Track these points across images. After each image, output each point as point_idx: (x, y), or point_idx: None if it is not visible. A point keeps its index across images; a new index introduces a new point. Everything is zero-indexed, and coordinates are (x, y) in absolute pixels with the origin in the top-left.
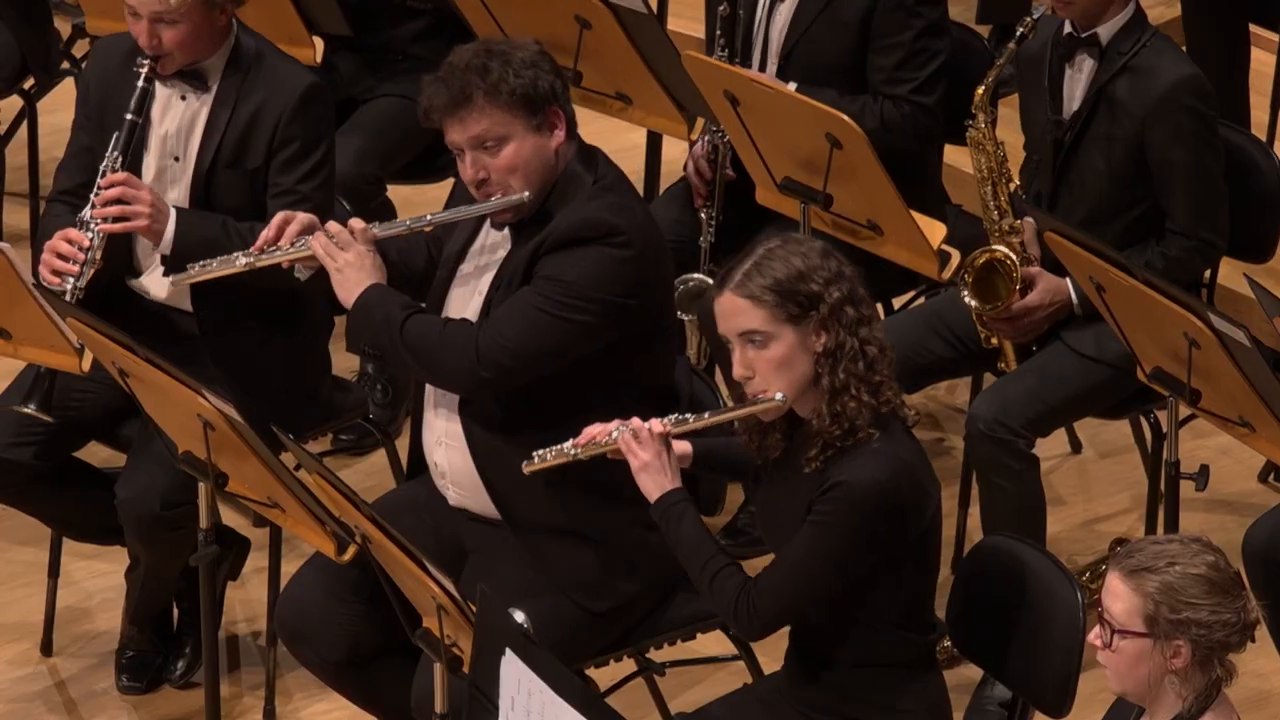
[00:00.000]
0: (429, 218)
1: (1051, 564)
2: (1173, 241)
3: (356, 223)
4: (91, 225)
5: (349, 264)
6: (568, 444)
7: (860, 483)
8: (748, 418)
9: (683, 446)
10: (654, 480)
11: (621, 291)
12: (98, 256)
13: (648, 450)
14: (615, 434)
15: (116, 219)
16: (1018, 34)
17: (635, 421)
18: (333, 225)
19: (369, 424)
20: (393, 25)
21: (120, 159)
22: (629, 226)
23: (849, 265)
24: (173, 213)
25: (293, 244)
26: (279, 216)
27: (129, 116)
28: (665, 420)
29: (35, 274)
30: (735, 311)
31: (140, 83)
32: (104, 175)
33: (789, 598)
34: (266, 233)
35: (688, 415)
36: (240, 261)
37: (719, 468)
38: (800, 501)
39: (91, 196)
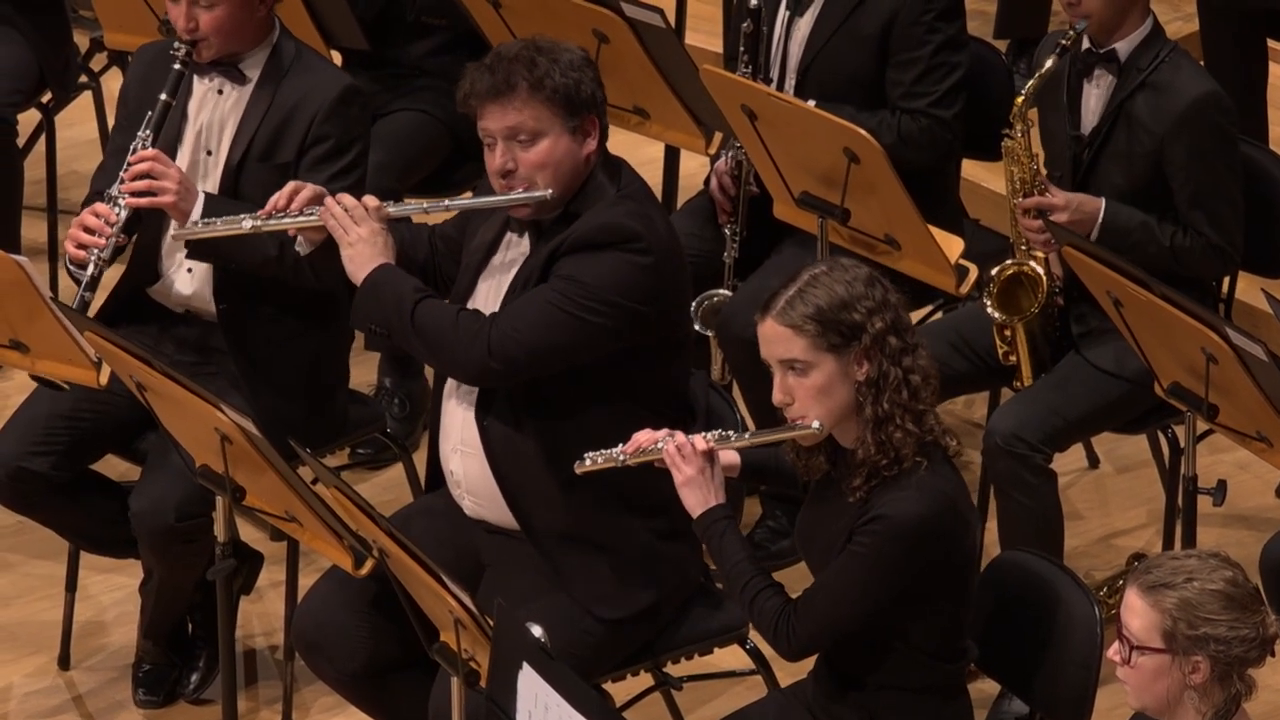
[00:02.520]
0: (445, 203)
1: (1069, 579)
2: (1196, 238)
3: (370, 199)
4: (119, 200)
5: (361, 239)
6: (617, 450)
7: (900, 517)
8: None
9: (731, 457)
10: (697, 496)
11: (638, 298)
12: (123, 232)
13: (691, 465)
14: (661, 444)
15: (143, 194)
16: (1059, 47)
17: (680, 436)
18: (346, 198)
19: (386, 438)
20: (410, 41)
21: (151, 137)
22: (649, 234)
23: (895, 292)
24: (201, 195)
25: (302, 212)
26: (289, 185)
27: (163, 97)
28: (709, 436)
29: (54, 284)
30: (776, 339)
31: (176, 65)
32: (134, 152)
33: (825, 624)
34: (276, 199)
35: (730, 433)
36: (247, 224)
37: (769, 480)
38: (841, 528)
39: (120, 173)
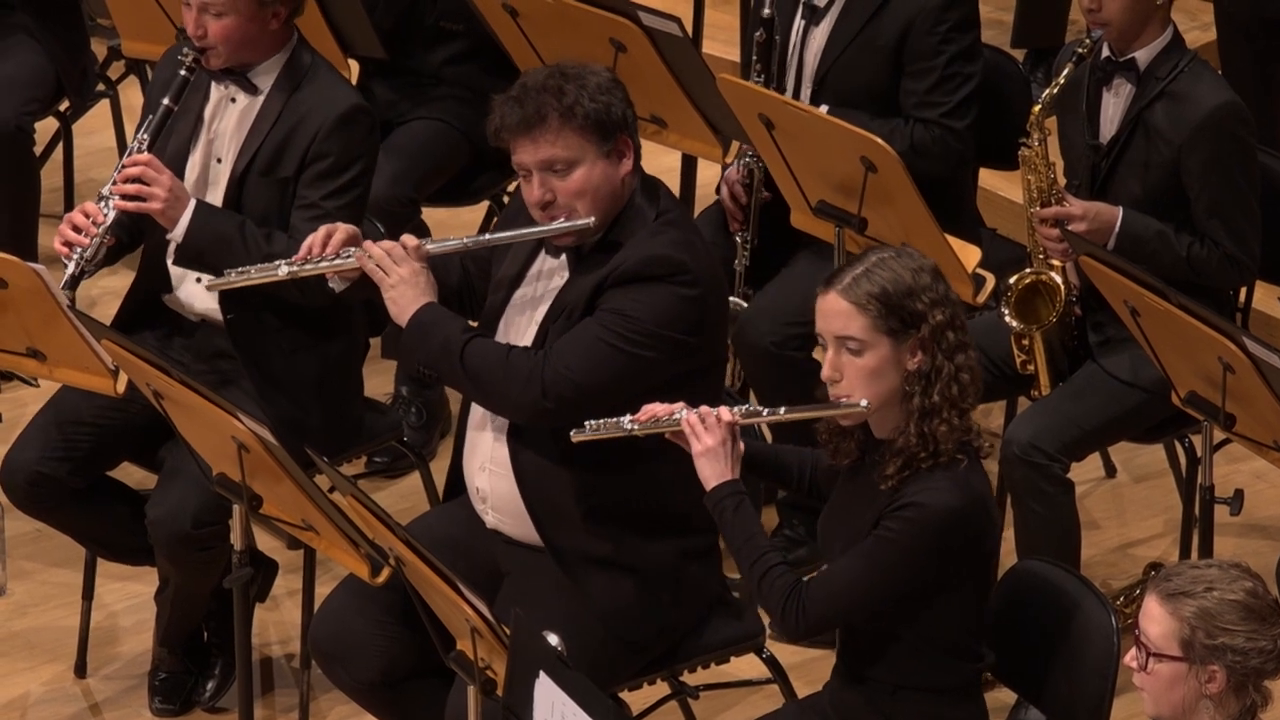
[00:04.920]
0: (487, 237)
1: (1086, 588)
2: (1213, 249)
3: (409, 239)
4: (108, 201)
5: (403, 280)
6: (625, 419)
7: (933, 506)
8: (828, 419)
9: None
10: (714, 468)
11: (685, 329)
12: (109, 232)
13: (713, 436)
14: (679, 415)
15: (133, 197)
16: (1076, 55)
17: (703, 407)
18: (385, 242)
19: (403, 446)
20: (427, 49)
21: (148, 141)
22: (695, 264)
23: (954, 290)
24: (192, 203)
25: (337, 255)
26: (323, 229)
27: (165, 102)
28: (735, 409)
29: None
30: (836, 313)
31: (181, 71)
32: (129, 154)
33: (839, 606)
34: (311, 242)
35: (760, 408)
36: (283, 270)
37: (764, 471)
38: (867, 514)
39: (113, 174)
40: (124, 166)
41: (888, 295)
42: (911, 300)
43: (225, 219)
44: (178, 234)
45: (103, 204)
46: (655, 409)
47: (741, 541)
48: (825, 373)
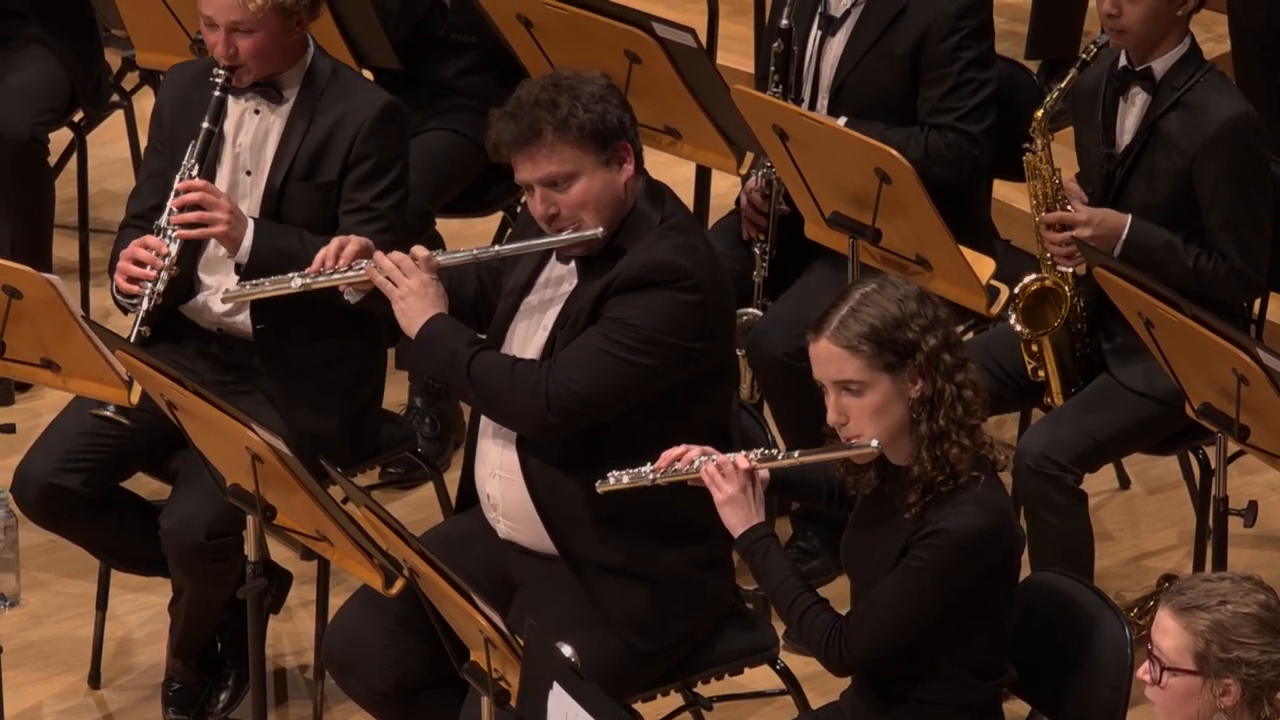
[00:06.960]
0: (496, 249)
1: (1099, 600)
2: (1220, 262)
3: (419, 250)
4: (169, 232)
5: (412, 292)
6: (646, 468)
7: (960, 531)
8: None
9: (760, 471)
10: (738, 514)
11: (688, 335)
12: (175, 264)
13: (733, 484)
14: (697, 464)
15: (195, 225)
16: (1080, 61)
17: (719, 456)
18: (395, 254)
19: (417, 457)
20: (442, 61)
21: (196, 167)
22: (697, 269)
23: (943, 307)
24: (250, 221)
25: (350, 266)
26: (335, 241)
27: (205, 125)
28: (751, 455)
29: (85, 303)
30: (830, 359)
31: (216, 92)
32: (180, 181)
33: (879, 639)
34: (324, 255)
35: (775, 451)
36: (295, 283)
37: (796, 492)
38: (894, 544)
39: (168, 203)
40: (178, 192)
41: (877, 332)
42: (902, 331)
43: (284, 232)
44: (243, 254)
45: (162, 235)
46: (673, 455)
47: (775, 585)
48: (831, 417)
